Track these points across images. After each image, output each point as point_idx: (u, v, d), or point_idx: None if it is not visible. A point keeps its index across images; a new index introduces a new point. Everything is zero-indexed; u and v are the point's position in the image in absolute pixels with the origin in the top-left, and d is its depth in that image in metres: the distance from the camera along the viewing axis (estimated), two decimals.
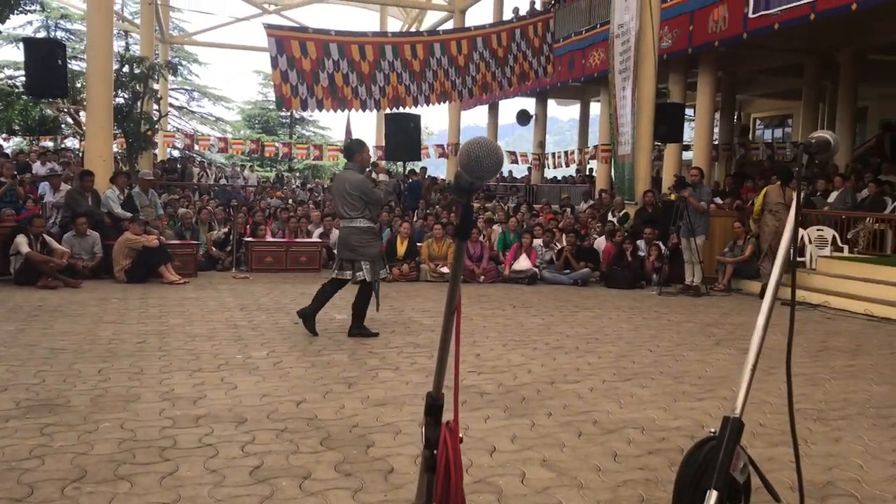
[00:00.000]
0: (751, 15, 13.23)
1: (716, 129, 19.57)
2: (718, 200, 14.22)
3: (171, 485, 3.45)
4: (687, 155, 19.69)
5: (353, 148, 7.33)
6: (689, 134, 20.89)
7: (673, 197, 12.73)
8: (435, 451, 1.36)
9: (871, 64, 17.10)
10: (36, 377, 5.20)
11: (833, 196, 12.78)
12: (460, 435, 1.42)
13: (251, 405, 4.73)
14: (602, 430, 4.48)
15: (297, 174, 36.02)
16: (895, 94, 20.26)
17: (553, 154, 25.83)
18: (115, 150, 16.69)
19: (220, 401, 4.80)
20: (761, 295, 10.09)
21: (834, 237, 11.97)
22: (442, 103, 16.20)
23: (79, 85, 21.98)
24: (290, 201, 18.92)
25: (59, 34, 35.06)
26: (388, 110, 15.35)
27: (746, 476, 1.20)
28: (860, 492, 3.67)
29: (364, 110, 14.95)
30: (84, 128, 20.17)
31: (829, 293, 10.21)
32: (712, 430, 1.29)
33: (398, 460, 3.85)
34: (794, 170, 13.70)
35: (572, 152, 25.18)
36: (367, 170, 7.45)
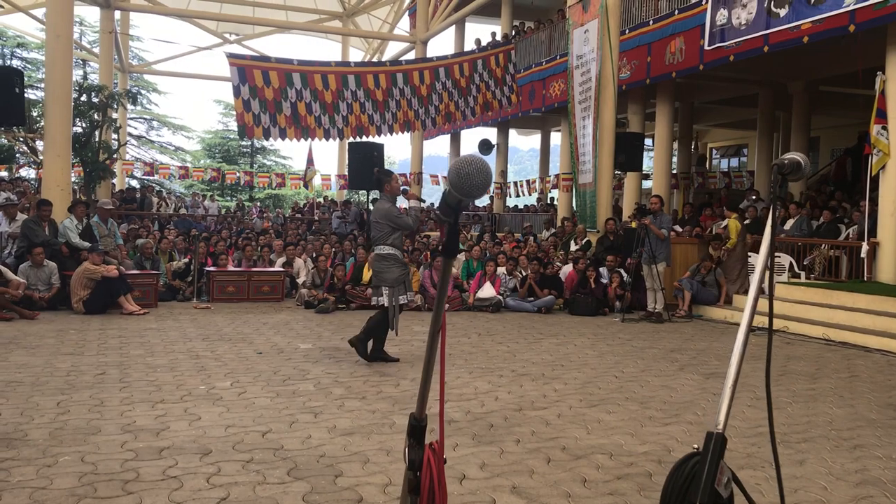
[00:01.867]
0: (706, 47, 13.59)
1: (674, 159, 19.92)
2: (678, 228, 14.44)
3: None
4: (646, 184, 20.03)
5: (382, 178, 7.44)
6: (647, 163, 21.25)
7: (634, 224, 12.89)
8: (418, 473, 1.35)
9: (822, 95, 17.62)
10: None
11: (789, 223, 13.06)
12: (444, 457, 1.41)
13: (216, 436, 4.64)
14: (571, 455, 4.48)
15: (258, 203, 35.78)
16: (845, 124, 20.89)
17: (515, 183, 26.04)
18: (73, 179, 16.46)
19: (183, 432, 4.71)
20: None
21: (791, 263, 12.22)
22: (405, 132, 16.28)
23: (35, 114, 21.68)
24: (251, 230, 18.76)
25: (15, 62, 34.61)
26: (351, 139, 15.38)
27: (730, 491, 1.21)
28: None
29: (327, 139, 14.98)
30: (40, 156, 19.88)
31: (788, 318, 10.38)
32: (695, 446, 1.30)
33: (367, 489, 3.81)
34: (743, 202, 14.07)
35: (534, 181, 25.41)
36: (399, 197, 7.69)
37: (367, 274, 11.94)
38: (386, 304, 7.14)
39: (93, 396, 5.56)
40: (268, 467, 4.10)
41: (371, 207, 19.21)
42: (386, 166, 16.73)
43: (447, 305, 11.63)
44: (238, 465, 4.13)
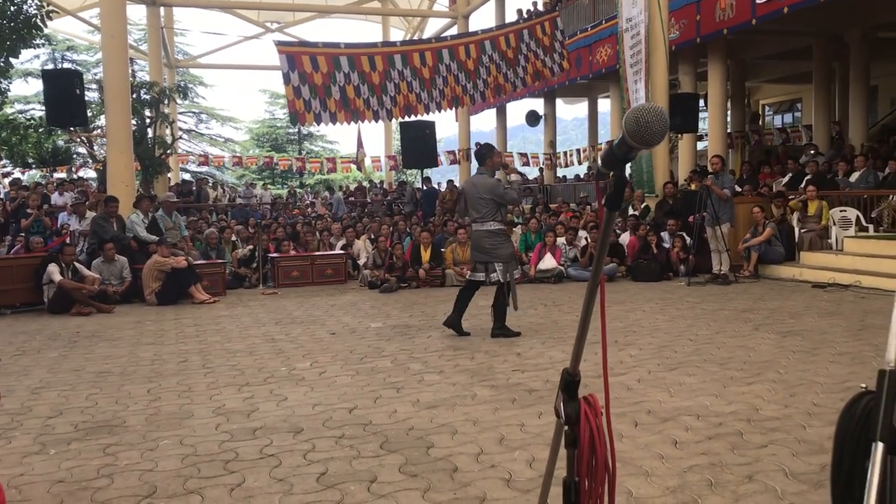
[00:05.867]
0: (758, 1, 13.24)
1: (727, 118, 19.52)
2: (737, 188, 14.19)
3: (241, 496, 3.48)
4: (700, 145, 19.68)
5: (484, 153, 7.41)
6: (701, 124, 20.86)
7: (694, 186, 12.71)
8: (575, 427, 1.38)
9: (881, 42, 17.05)
10: (88, 400, 5.26)
11: (855, 176, 12.73)
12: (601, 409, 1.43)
13: (305, 415, 4.75)
14: (657, 418, 4.47)
15: (309, 189, 36.17)
16: None
17: (565, 153, 25.83)
18: None
19: (273, 412, 4.83)
20: None
21: (858, 217, 11.92)
22: (453, 108, 16.24)
23: (90, 114, 22.20)
24: (310, 217, 18.98)
25: (66, 65, 35.41)
26: (399, 119, 15.41)
27: None
28: None
29: (376, 120, 15.03)
30: (99, 155, 20.39)
31: (859, 273, 10.15)
32: (863, 385, 1.30)
33: (460, 459, 3.86)
34: (802, 157, 13.52)
35: (584, 150, 25.17)
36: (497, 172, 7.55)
37: (425, 255, 12.02)
38: (502, 280, 7.14)
39: (180, 383, 5.73)
40: (360, 442, 4.18)
41: (422, 186, 19.31)
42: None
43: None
44: (331, 441, 4.22)
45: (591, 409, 1.40)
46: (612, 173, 1.21)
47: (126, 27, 13.36)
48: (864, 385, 1.24)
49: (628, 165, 16.47)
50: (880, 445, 1.10)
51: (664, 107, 13.46)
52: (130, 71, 31.99)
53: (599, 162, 1.22)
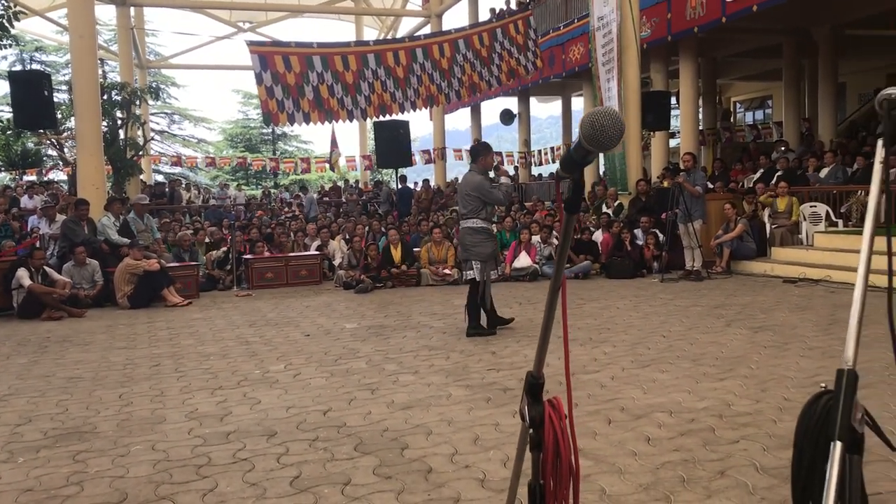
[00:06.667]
0: None
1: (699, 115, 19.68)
2: (709, 185, 14.31)
3: (214, 501, 3.45)
4: (672, 143, 19.82)
5: (479, 150, 7.48)
6: (673, 122, 21.02)
7: (666, 184, 12.80)
8: (539, 430, 1.38)
9: (849, 39, 17.28)
10: (58, 406, 5.19)
11: (824, 172, 12.89)
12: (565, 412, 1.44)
13: (278, 418, 4.73)
14: (631, 415, 4.50)
15: (284, 189, 35.99)
16: (873, 67, 20.49)
17: (540, 151, 25.89)
18: None
19: (246, 416, 4.80)
20: None
21: (827, 212, 12.07)
22: (428, 108, 16.21)
23: (59, 115, 21.91)
24: (282, 217, 18.86)
25: (35, 67, 34.92)
26: (373, 118, 15.35)
27: (864, 427, 1.22)
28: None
29: (351, 120, 14.94)
30: (69, 157, 20.14)
31: (830, 268, 10.28)
32: (823, 384, 1.31)
33: (435, 460, 3.86)
34: (773, 154, 13.68)
35: (558, 148, 25.25)
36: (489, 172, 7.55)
37: (395, 254, 11.99)
38: (478, 279, 7.18)
39: (152, 387, 5.67)
40: (334, 444, 4.17)
41: (398, 186, 19.27)
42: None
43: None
44: (305, 444, 4.20)
45: (556, 412, 1.40)
46: (571, 176, 1.22)
47: (95, 27, 13.18)
48: (823, 384, 1.25)
49: (602, 163, 16.61)
50: (839, 444, 1.11)
51: (636, 106, 13.55)
52: (101, 72, 31.61)
53: (559, 166, 1.22)
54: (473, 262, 7.19)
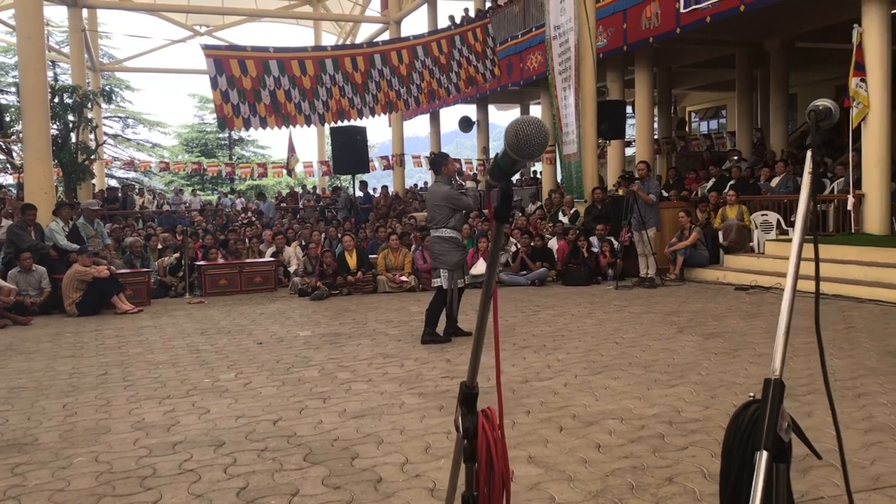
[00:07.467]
0: (682, 10, 13.56)
1: (654, 124, 19.94)
2: (663, 193, 14.49)
3: None
4: (629, 151, 20.05)
5: (438, 161, 7.57)
6: (629, 131, 21.27)
7: (621, 192, 12.92)
8: (473, 441, 1.36)
9: (799, 51, 17.65)
10: None
11: (775, 181, 13.13)
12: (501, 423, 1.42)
13: (227, 427, 4.65)
14: (582, 423, 4.51)
15: (238, 196, 35.65)
16: (822, 79, 20.94)
17: None
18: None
19: (194, 426, 4.70)
20: None
21: (778, 220, 12.29)
22: (386, 114, 16.19)
23: (7, 118, 21.39)
24: (237, 223, 18.65)
25: None
26: (332, 124, 15.26)
27: (790, 437, 1.23)
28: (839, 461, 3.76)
29: (308, 125, 14.86)
30: (17, 160, 19.66)
31: (780, 275, 10.46)
32: (751, 394, 1.32)
33: (385, 469, 3.82)
34: (726, 163, 13.96)
35: None
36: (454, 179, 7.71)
37: (350, 260, 11.92)
38: (444, 287, 7.29)
39: (98, 397, 5.54)
40: (283, 454, 4.11)
41: (357, 193, 19.18)
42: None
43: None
44: (253, 454, 4.13)
45: (489, 422, 1.38)
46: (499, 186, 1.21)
47: (43, 29, 12.89)
48: (752, 394, 1.26)
49: (559, 170, 16.71)
50: (765, 454, 1.11)
51: (592, 114, 13.64)
52: (52, 74, 30.97)
53: (488, 175, 1.21)
54: (441, 271, 7.32)
